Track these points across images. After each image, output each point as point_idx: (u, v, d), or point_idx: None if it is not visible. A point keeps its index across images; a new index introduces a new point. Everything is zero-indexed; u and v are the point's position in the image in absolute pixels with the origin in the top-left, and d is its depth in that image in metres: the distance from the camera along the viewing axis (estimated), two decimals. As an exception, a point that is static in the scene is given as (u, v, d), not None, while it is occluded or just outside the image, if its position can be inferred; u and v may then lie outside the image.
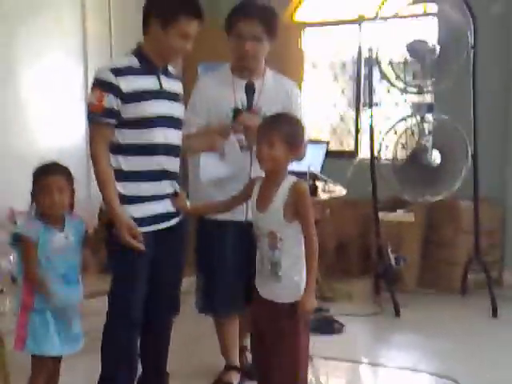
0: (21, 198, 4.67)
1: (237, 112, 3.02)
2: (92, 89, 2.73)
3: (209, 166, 3.00)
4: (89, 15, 5.45)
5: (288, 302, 2.59)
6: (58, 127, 5.34)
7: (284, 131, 2.54)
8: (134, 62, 2.76)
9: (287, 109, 3.01)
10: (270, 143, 2.53)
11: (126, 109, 2.69)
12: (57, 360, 2.74)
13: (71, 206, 2.73)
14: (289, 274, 2.58)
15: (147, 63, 2.78)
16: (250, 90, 3.06)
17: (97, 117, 2.70)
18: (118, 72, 2.69)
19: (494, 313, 4.55)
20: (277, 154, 2.53)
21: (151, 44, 2.78)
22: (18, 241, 2.65)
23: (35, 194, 2.67)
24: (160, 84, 2.80)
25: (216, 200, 2.96)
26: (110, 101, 2.67)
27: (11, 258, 3.86)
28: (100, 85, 2.69)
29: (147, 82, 2.76)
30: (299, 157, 2.68)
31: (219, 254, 3.16)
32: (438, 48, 4.67)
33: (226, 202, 2.89)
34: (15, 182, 4.81)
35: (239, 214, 3.02)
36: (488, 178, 4.90)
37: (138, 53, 2.80)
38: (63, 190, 2.65)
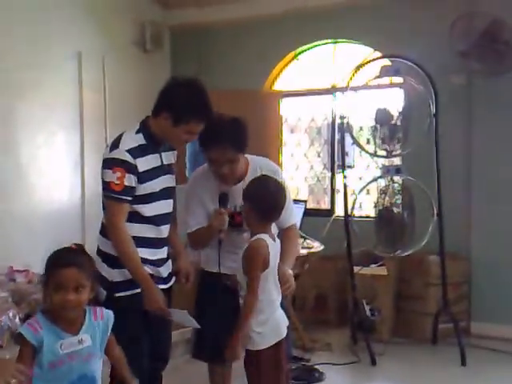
0: (20, 257, 4.74)
1: (223, 197, 3.03)
2: (111, 168, 2.76)
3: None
4: (85, 89, 5.62)
5: (248, 348, 2.75)
6: (55, 191, 5.46)
7: (249, 195, 2.80)
8: (141, 140, 2.84)
9: None
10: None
11: (140, 187, 2.80)
12: None
13: (93, 301, 2.26)
14: (252, 322, 2.72)
15: (152, 141, 2.86)
16: (222, 200, 3.02)
17: (119, 195, 2.76)
18: (133, 153, 2.77)
19: (463, 361, 4.61)
20: (244, 215, 2.84)
21: (158, 128, 2.86)
22: (19, 342, 2.14)
23: (46, 288, 2.14)
24: (161, 160, 2.91)
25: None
26: (130, 179, 2.76)
27: (10, 314, 3.87)
28: (120, 165, 2.74)
29: (153, 160, 2.86)
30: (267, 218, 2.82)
31: (209, 302, 3.21)
32: (399, 116, 4.84)
33: None
34: (15, 241, 4.89)
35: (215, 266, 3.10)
36: (453, 234, 5.01)
37: (145, 131, 2.87)
38: (81, 286, 2.12)
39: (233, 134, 2.98)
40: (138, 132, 2.86)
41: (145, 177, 2.80)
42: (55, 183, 5.44)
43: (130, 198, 2.78)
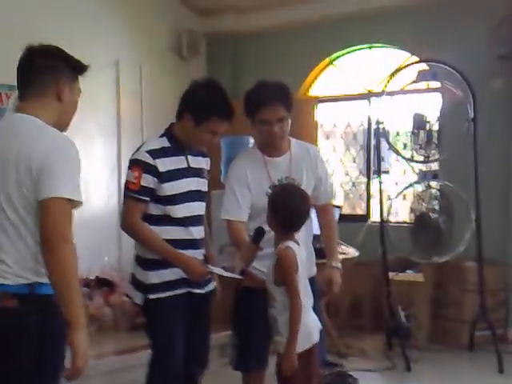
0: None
1: (259, 232, 2.85)
2: (130, 168, 2.88)
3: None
4: (123, 96, 5.72)
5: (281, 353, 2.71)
6: (93, 197, 5.54)
7: (272, 203, 2.79)
8: (165, 143, 2.93)
9: (314, 171, 3.13)
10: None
11: (162, 187, 2.86)
12: None
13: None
14: (285, 330, 2.70)
15: (177, 144, 2.94)
16: (257, 235, 2.85)
17: (133, 194, 2.85)
18: (154, 154, 2.86)
19: (500, 368, 4.54)
20: (268, 221, 2.80)
21: (182, 130, 2.94)
22: None
23: None
24: (188, 162, 2.97)
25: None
26: (147, 180, 2.84)
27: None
28: (138, 165, 2.85)
29: (177, 162, 2.92)
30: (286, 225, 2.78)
31: (252, 314, 3.10)
32: (437, 120, 4.82)
33: None
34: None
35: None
36: (491, 240, 4.95)
37: (169, 134, 2.96)
38: None
39: (282, 93, 3.06)
40: (161, 136, 2.97)
41: (167, 177, 2.86)
42: (92, 189, 5.54)
43: (146, 198, 2.85)
